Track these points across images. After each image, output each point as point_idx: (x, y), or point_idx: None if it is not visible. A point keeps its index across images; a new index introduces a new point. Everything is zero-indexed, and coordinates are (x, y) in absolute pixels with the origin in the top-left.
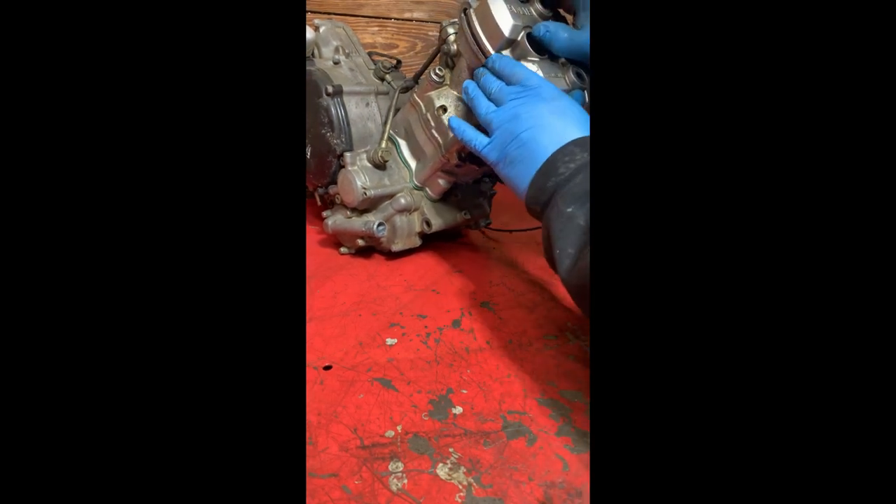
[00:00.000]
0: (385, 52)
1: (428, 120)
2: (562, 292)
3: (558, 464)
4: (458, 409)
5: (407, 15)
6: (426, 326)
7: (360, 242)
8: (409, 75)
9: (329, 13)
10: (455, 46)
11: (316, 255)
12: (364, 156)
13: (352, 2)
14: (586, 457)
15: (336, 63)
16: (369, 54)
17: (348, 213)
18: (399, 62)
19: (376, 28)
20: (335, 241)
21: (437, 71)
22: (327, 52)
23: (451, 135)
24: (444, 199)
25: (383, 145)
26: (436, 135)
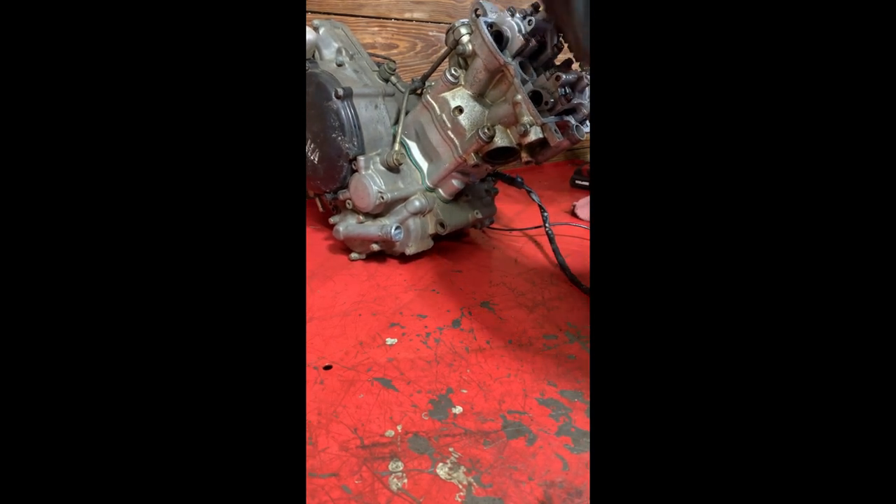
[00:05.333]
0: (384, 53)
1: (443, 121)
2: (561, 292)
3: (558, 463)
4: (458, 409)
5: (407, 15)
6: (426, 326)
7: (374, 247)
8: (407, 76)
9: (329, 13)
10: (470, 47)
11: (316, 256)
12: (377, 159)
13: (352, 2)
14: (586, 457)
15: (340, 65)
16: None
17: (360, 217)
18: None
19: (376, 28)
20: (338, 244)
21: (453, 72)
22: (329, 53)
23: (467, 135)
24: (455, 199)
25: (396, 147)
26: (451, 136)
